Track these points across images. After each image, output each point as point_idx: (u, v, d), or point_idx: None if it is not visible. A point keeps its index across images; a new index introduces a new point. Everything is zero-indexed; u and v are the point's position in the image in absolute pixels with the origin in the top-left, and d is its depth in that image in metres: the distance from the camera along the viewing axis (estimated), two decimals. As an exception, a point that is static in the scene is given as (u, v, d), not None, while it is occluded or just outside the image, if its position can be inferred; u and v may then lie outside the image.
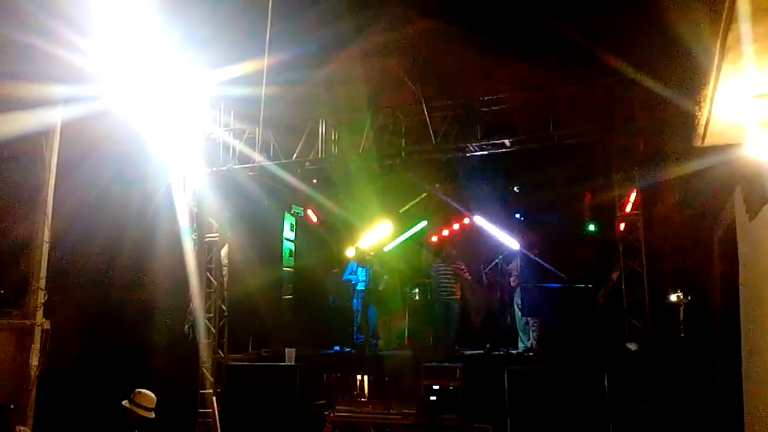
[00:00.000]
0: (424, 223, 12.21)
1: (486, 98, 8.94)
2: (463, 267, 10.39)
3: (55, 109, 9.24)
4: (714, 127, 4.43)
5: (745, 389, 6.81)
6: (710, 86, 3.92)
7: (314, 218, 11.76)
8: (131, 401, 6.09)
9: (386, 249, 12.07)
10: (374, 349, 10.64)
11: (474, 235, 11.39)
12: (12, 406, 6.91)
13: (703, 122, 4.35)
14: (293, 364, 9.32)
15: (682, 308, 8.79)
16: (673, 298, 8.89)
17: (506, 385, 8.21)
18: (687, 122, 5.49)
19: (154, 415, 6.14)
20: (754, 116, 4.24)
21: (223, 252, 10.20)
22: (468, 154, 9.09)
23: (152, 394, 6.22)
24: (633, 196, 8.68)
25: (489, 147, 8.91)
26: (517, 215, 10.95)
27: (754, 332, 6.69)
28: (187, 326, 10.27)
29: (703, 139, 4.67)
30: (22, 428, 7.39)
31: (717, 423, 8.15)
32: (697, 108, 4.39)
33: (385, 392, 9.55)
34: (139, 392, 6.17)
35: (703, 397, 8.62)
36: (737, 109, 4.23)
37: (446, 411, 8.36)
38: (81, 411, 8.48)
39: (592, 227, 9.27)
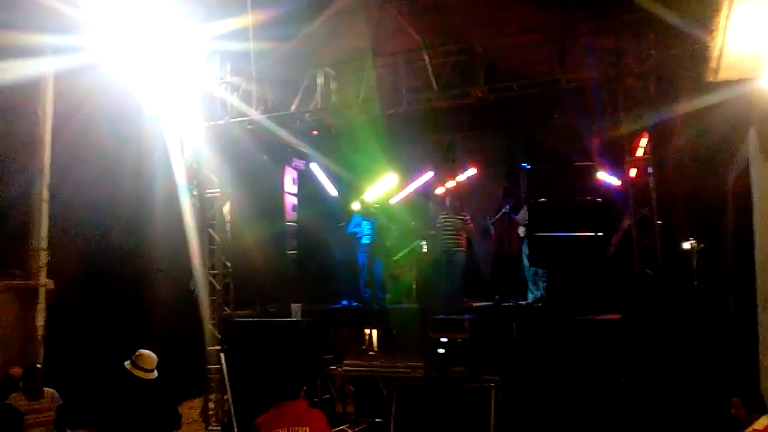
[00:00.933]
0: (430, 174, 11.92)
1: (490, 42, 8.57)
2: (467, 217, 10.15)
3: (47, 60, 9.05)
4: (728, 59, 4.11)
5: (760, 338, 6.61)
6: (723, 12, 3.59)
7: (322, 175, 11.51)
8: (133, 363, 5.98)
9: (392, 201, 11.86)
10: (381, 302, 10.52)
11: (481, 185, 11.11)
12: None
13: (716, 54, 4.03)
14: (299, 319, 9.20)
15: (695, 256, 8.71)
16: (687, 245, 8.71)
17: (515, 337, 8.06)
18: (699, 59, 5.18)
19: (156, 375, 6.04)
20: (772, 46, 3.93)
21: (225, 208, 10.04)
22: (472, 101, 8.76)
23: (153, 355, 6.09)
24: (644, 141, 8.35)
25: (494, 92, 8.58)
26: (525, 164, 10.71)
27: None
28: (191, 283, 10.21)
29: (716, 73, 4.35)
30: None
31: (731, 373, 8.02)
32: (709, 38, 4.05)
33: (394, 346, 9.46)
34: (140, 354, 6.04)
35: (717, 346, 8.48)
36: (753, 37, 3.90)
37: (455, 363, 8.21)
38: (87, 371, 8.44)
39: (601, 173, 8.97)
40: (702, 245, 9.14)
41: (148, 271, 10.48)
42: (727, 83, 5.42)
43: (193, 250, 10.02)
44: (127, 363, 5.98)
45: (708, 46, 4.16)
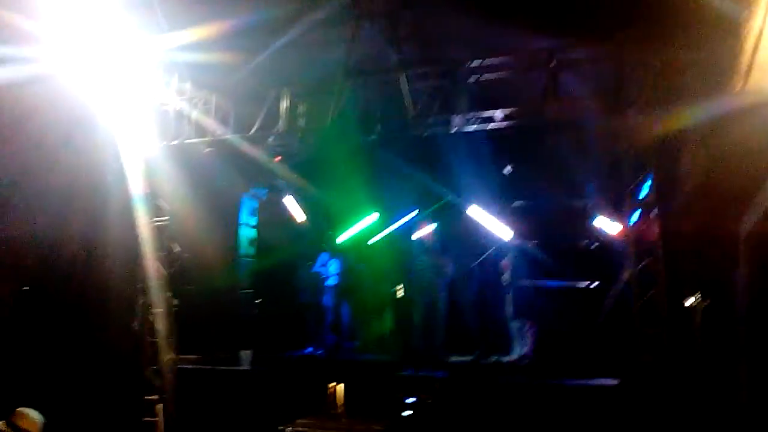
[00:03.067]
0: (414, 213, 10.88)
1: (474, 65, 7.62)
2: (445, 261, 9.10)
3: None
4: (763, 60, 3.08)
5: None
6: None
7: (291, 207, 10.47)
8: (9, 423, 4.88)
9: (372, 240, 10.81)
10: (349, 352, 9.38)
11: (464, 225, 10.05)
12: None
13: (748, 52, 3.02)
14: (248, 368, 8.05)
15: (699, 313, 7.72)
16: (691, 300, 7.76)
17: (493, 402, 6.93)
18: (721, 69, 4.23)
19: None
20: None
21: (176, 238, 8.97)
22: (452, 131, 7.77)
23: (37, 417, 5.00)
24: (648, 184, 7.32)
25: (476, 121, 7.58)
26: (514, 203, 9.67)
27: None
28: (136, 322, 9.07)
29: (745, 79, 3.34)
30: None
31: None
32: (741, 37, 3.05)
33: (361, 404, 8.30)
34: (20, 412, 4.95)
35: (727, 419, 7.41)
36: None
37: (421, 430, 7.09)
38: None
39: (599, 218, 7.91)
40: (708, 301, 8.19)
41: (93, 299, 9.35)
42: (747, 110, 4.46)
43: (146, 282, 8.94)
44: (1, 423, 4.86)
45: (735, 47, 3.17)
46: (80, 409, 8.69)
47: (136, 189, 8.90)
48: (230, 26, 7.88)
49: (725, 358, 7.97)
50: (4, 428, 4.89)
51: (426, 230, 10.36)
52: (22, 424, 4.91)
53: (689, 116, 6.21)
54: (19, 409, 5.00)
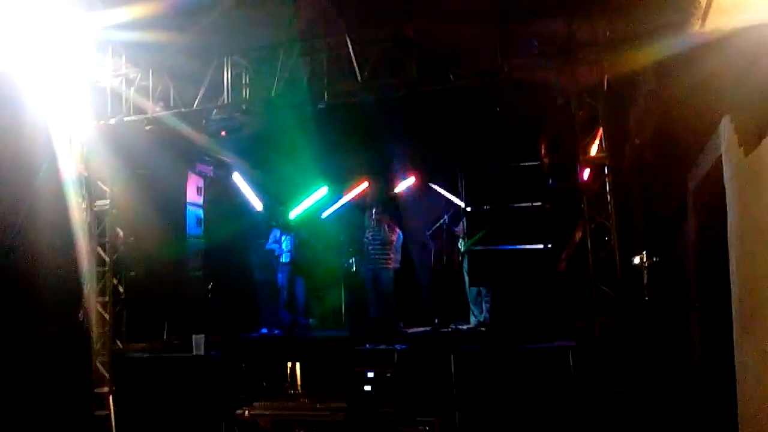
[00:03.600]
0: (365, 185, 10.66)
1: (422, 30, 7.38)
2: (394, 230, 8.95)
3: None
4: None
5: (738, 376, 5.50)
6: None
7: (239, 184, 10.11)
8: None
9: (324, 214, 10.56)
10: (305, 330, 9.18)
11: (417, 194, 9.89)
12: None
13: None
14: (202, 353, 7.76)
15: (645, 271, 7.77)
16: (636, 260, 7.79)
17: (453, 370, 6.83)
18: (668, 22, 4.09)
19: None
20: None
21: (119, 222, 8.58)
22: (401, 93, 7.55)
23: None
24: (598, 139, 7.23)
25: (426, 83, 7.38)
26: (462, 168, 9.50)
27: (753, 294, 5.33)
28: (80, 313, 8.67)
29: (704, 19, 3.19)
30: None
31: (698, 398, 6.98)
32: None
33: (319, 382, 8.13)
34: None
35: (680, 370, 7.47)
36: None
37: (382, 403, 6.96)
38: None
39: (551, 178, 7.81)
40: (655, 259, 8.23)
41: (28, 297, 8.87)
42: (701, 54, 4.34)
43: (84, 273, 8.53)
44: None
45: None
46: (29, 407, 8.31)
47: (70, 172, 8.47)
48: (167, 4, 7.51)
49: (676, 313, 8.06)
50: None
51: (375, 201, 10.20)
52: None
53: (642, 58, 6.10)
54: None
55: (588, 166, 7.04)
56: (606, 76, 6.89)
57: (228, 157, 9.65)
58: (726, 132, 5.71)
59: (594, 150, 7.07)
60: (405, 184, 10.40)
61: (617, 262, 6.71)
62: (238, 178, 10.12)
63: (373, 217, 9.10)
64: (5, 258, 9.02)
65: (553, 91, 7.31)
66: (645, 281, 7.83)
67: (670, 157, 7.89)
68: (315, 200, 10.27)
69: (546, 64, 7.09)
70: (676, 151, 7.89)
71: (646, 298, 7.78)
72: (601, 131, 7.00)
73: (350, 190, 10.69)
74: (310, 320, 9.55)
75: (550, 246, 7.43)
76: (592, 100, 6.93)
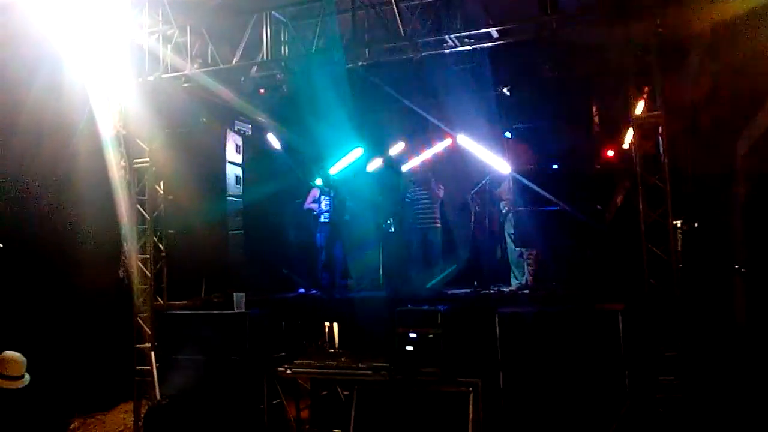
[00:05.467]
0: (402, 145, 10.50)
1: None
2: (441, 188, 8.85)
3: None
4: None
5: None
6: None
7: (276, 144, 10.00)
8: None
9: (358, 175, 10.43)
10: (343, 290, 9.15)
11: (457, 156, 9.73)
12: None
13: None
14: (243, 311, 7.77)
15: (680, 236, 7.66)
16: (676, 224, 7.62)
17: (497, 332, 6.75)
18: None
19: (26, 382, 4.88)
20: None
21: (158, 180, 8.56)
22: (446, 50, 7.36)
23: (20, 358, 4.90)
24: (647, 99, 6.97)
25: (471, 40, 7.19)
26: (507, 133, 9.34)
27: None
28: (121, 270, 8.75)
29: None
30: None
31: (743, 362, 6.82)
32: None
33: (359, 342, 8.12)
34: (2, 359, 4.83)
35: (725, 334, 7.34)
36: None
37: (425, 364, 6.91)
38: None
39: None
40: (695, 224, 8.00)
41: (68, 254, 8.97)
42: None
43: (123, 230, 8.58)
44: None
45: None
46: (74, 363, 8.47)
47: (108, 130, 8.47)
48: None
49: (718, 278, 7.90)
50: None
51: (416, 161, 10.07)
52: (6, 369, 4.79)
53: (701, 17, 5.86)
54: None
55: (638, 127, 6.80)
56: (660, 33, 6.64)
57: (264, 116, 9.52)
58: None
59: (639, 109, 6.82)
60: (442, 146, 10.25)
61: (670, 225, 6.53)
62: (273, 138, 10.01)
63: (418, 176, 9.00)
64: (46, 215, 9.14)
65: (604, 48, 7.06)
66: (679, 247, 7.66)
67: (722, 121, 7.67)
68: (352, 160, 10.14)
69: (596, 18, 6.83)
70: (728, 115, 7.66)
71: (680, 264, 7.59)
72: (652, 90, 6.76)
73: (386, 151, 10.54)
74: (348, 281, 9.51)
75: (598, 207, 7.25)
76: (645, 56, 6.66)
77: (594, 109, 7.68)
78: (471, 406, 6.56)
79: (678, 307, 6.49)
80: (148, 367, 8.14)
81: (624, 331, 6.33)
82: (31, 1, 7.77)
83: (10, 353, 4.91)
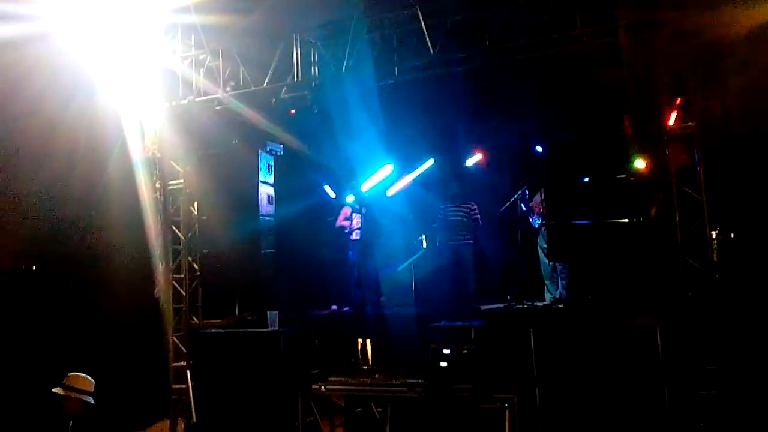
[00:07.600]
0: (431, 161, 10.54)
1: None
2: (473, 206, 8.84)
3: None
4: None
5: None
6: None
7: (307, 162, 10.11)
8: (65, 386, 5.01)
9: (388, 192, 10.47)
10: (376, 307, 9.15)
11: (488, 170, 9.72)
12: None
13: None
14: (276, 329, 7.82)
15: (716, 247, 7.46)
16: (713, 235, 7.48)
17: (533, 346, 6.69)
18: None
19: (93, 401, 5.09)
20: None
21: (191, 202, 8.70)
22: (474, 66, 7.38)
23: (88, 377, 5.15)
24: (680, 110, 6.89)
25: (502, 53, 7.20)
26: (538, 147, 9.33)
27: None
28: (156, 290, 8.87)
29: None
30: None
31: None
32: None
33: (392, 359, 8.11)
34: (73, 375, 5.10)
35: (765, 346, 7.15)
36: None
37: (460, 380, 6.87)
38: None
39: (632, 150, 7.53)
40: (731, 235, 7.90)
41: (103, 274, 9.13)
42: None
43: (155, 250, 8.72)
44: (57, 389, 5.02)
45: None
46: (111, 382, 8.57)
47: (139, 153, 8.65)
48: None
49: (758, 289, 7.71)
50: (61, 392, 4.96)
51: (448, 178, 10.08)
52: (77, 384, 5.02)
53: (735, 23, 5.80)
54: (70, 373, 5.11)
55: (674, 138, 6.74)
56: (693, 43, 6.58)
57: (295, 136, 9.62)
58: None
59: (672, 120, 6.75)
60: (472, 160, 10.28)
61: (707, 236, 6.44)
62: (305, 156, 10.10)
63: (451, 193, 9.03)
64: (81, 238, 9.33)
65: (635, 59, 7.00)
66: (715, 258, 7.53)
67: (760, 130, 7.55)
68: (382, 178, 10.19)
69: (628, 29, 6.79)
70: (763, 123, 7.53)
71: (717, 276, 7.46)
72: (685, 101, 6.69)
73: (414, 167, 10.56)
74: (381, 298, 9.51)
75: (636, 220, 7.16)
76: (678, 66, 6.61)
77: (626, 120, 7.59)
78: (507, 423, 6.48)
79: (716, 319, 6.37)
80: (184, 386, 8.19)
81: (662, 345, 6.22)
82: (67, 29, 7.99)
83: (81, 373, 5.13)
